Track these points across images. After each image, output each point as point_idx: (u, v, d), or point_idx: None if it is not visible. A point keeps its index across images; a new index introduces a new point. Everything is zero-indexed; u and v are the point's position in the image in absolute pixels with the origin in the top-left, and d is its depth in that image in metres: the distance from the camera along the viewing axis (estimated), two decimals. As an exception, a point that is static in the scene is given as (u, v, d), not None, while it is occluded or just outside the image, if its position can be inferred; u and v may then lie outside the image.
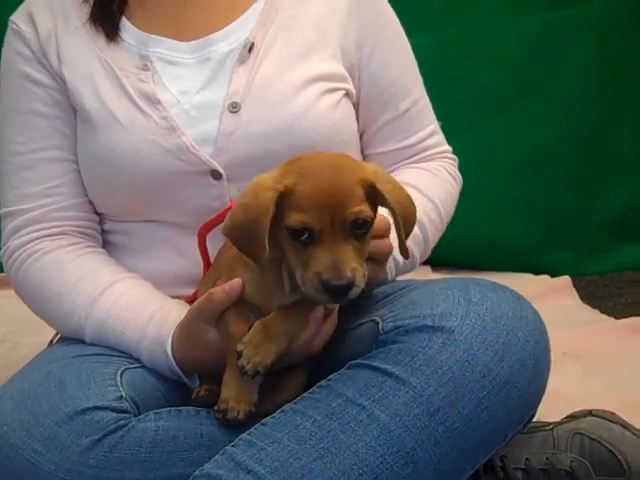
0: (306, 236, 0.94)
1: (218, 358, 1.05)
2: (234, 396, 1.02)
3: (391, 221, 1.02)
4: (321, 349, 1.07)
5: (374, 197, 0.97)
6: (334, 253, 0.93)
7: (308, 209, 0.93)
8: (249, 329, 1.02)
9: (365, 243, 0.97)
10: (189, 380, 1.12)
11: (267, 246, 0.95)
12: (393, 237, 1.06)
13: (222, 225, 1.03)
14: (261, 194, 0.96)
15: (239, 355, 0.99)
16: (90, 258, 1.23)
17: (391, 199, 0.97)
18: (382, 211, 1.02)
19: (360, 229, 0.95)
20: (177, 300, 1.19)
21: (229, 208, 1.10)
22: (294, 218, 0.94)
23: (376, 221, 1.01)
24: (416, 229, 1.21)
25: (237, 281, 1.05)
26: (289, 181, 0.95)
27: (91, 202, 1.27)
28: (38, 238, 1.23)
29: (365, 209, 0.95)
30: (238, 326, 1.03)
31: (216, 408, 1.04)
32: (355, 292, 0.94)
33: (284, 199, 0.95)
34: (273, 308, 1.03)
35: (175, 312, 1.13)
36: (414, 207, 1.03)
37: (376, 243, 1.05)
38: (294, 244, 0.95)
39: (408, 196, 1.02)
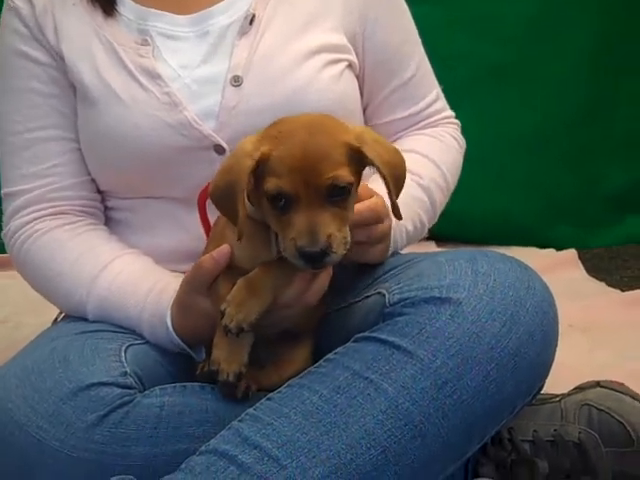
0: (283, 202, 0.93)
1: (214, 326, 1.04)
2: (224, 357, 1.01)
3: (382, 182, 0.99)
4: (319, 302, 1.05)
5: (359, 159, 0.96)
6: (310, 219, 0.92)
7: (283, 174, 0.92)
8: None
9: (346, 209, 0.95)
10: (195, 352, 1.11)
11: (241, 213, 0.94)
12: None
13: (209, 191, 1.03)
14: (240, 161, 0.95)
15: (222, 314, 0.99)
16: (90, 236, 1.22)
17: (379, 161, 0.96)
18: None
19: (338, 195, 0.93)
20: (176, 273, 1.18)
21: None
22: (270, 184, 0.93)
23: (374, 202, 1.01)
24: (425, 196, 1.21)
25: (225, 247, 1.04)
26: (265, 147, 0.94)
27: (92, 181, 1.26)
28: (38, 218, 1.23)
29: (342, 174, 0.92)
30: (226, 289, 1.02)
31: (206, 369, 1.04)
32: (332, 259, 0.92)
33: (263, 165, 0.94)
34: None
35: (173, 284, 1.12)
36: (403, 164, 1.01)
37: (376, 227, 1.05)
38: (273, 210, 0.95)
39: (397, 153, 1.01)
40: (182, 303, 1.09)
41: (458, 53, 2.32)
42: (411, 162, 1.17)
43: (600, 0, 2.35)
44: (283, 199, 0.93)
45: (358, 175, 0.97)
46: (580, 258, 2.25)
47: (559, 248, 2.33)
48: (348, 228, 0.95)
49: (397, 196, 1.00)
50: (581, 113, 2.40)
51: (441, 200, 1.26)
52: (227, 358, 1.01)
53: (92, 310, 1.16)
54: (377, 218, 1.07)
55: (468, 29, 2.34)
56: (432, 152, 1.26)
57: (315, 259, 0.92)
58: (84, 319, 1.17)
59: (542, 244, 2.36)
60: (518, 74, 2.37)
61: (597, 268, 2.20)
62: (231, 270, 1.04)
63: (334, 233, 0.92)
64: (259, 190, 0.96)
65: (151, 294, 1.13)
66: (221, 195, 0.99)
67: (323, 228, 0.92)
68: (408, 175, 1.08)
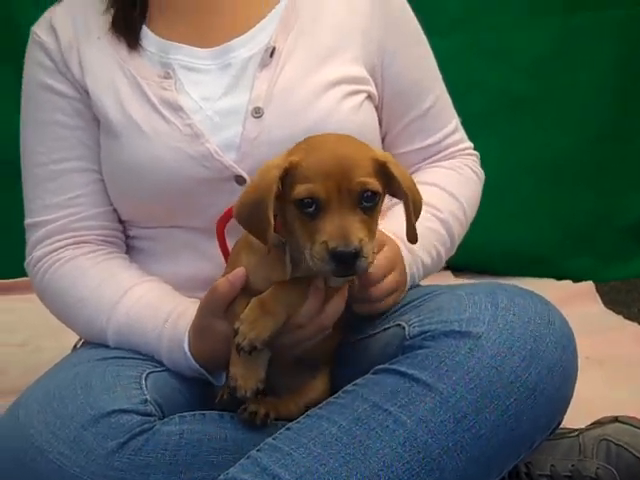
0: (313, 208, 0.94)
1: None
2: (241, 374, 1.01)
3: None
4: (334, 326, 1.06)
5: (383, 177, 0.98)
6: (341, 222, 0.93)
7: (314, 179, 0.94)
8: None
9: (373, 219, 0.97)
10: (214, 378, 1.12)
11: (272, 220, 0.95)
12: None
13: (233, 211, 1.05)
14: (267, 172, 0.97)
15: (235, 332, 0.99)
16: (111, 264, 1.24)
17: (402, 179, 0.98)
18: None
19: (368, 202, 0.95)
20: (195, 299, 1.19)
21: None
22: (300, 189, 0.94)
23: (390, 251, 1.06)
24: (442, 229, 1.22)
25: (240, 270, 1.05)
26: (294, 157, 0.96)
27: (114, 211, 1.28)
28: (60, 248, 1.24)
29: (373, 181, 0.95)
30: (242, 309, 1.03)
31: (225, 397, 1.06)
32: (362, 264, 0.93)
33: (291, 175, 0.96)
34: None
35: (191, 309, 1.13)
36: (420, 195, 1.03)
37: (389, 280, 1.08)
38: (302, 218, 0.96)
39: (414, 183, 1.03)
40: (199, 327, 1.10)
41: (475, 82, 2.32)
42: (429, 195, 1.20)
43: (618, 27, 2.34)
44: (314, 204, 0.94)
45: (383, 193, 0.99)
46: (597, 290, 2.24)
47: (576, 279, 2.32)
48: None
49: (416, 220, 1.02)
50: (598, 143, 2.39)
51: (459, 233, 1.26)
52: (244, 375, 1.01)
53: (112, 336, 1.17)
54: (393, 266, 1.10)
55: (485, 58, 2.35)
56: (451, 185, 1.27)
57: (347, 261, 0.92)
58: (105, 345, 1.18)
59: (559, 275, 2.35)
60: (535, 103, 2.37)
61: (614, 301, 2.19)
62: (247, 291, 1.05)
63: (364, 238, 0.93)
64: (284, 201, 0.97)
65: (170, 319, 1.14)
66: (248, 211, 1.00)
67: (355, 231, 0.93)
68: (426, 208, 1.11)
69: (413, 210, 1.00)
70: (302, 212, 0.95)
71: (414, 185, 1.03)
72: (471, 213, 1.30)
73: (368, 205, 0.95)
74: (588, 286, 2.26)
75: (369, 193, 0.95)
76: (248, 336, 0.99)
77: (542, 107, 2.37)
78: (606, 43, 2.35)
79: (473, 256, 2.13)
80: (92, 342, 1.22)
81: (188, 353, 1.11)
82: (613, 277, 2.37)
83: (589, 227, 2.42)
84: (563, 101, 2.37)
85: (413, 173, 1.29)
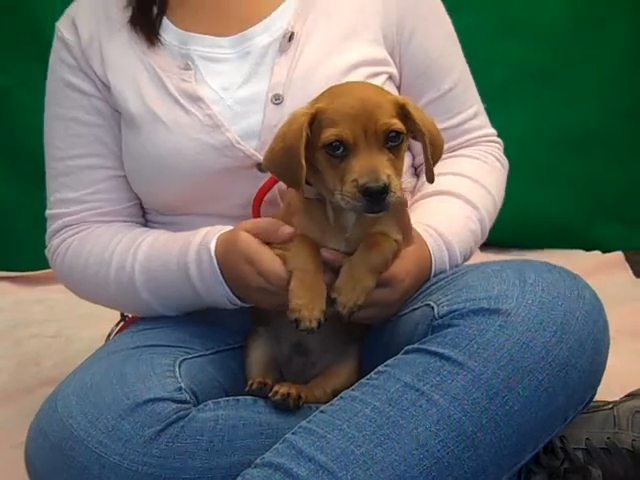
0: (341, 150, 0.99)
1: (254, 274, 1.07)
2: (305, 304, 1.02)
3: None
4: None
5: (404, 119, 1.02)
6: (369, 161, 0.98)
7: (340, 122, 0.99)
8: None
9: (399, 158, 1.01)
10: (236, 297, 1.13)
11: (304, 164, 1.00)
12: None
13: (263, 164, 1.09)
14: (295, 120, 1.02)
15: (332, 302, 1.02)
16: (123, 225, 1.27)
17: (420, 120, 1.03)
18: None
19: (393, 141, 1.00)
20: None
21: None
22: (328, 134, 0.99)
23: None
24: (478, 228, 1.22)
25: (290, 228, 1.07)
26: (320, 104, 1.01)
27: (132, 206, 1.30)
28: (76, 233, 1.28)
29: (396, 121, 1.00)
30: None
31: (255, 385, 1.09)
32: (391, 198, 0.97)
33: (318, 121, 1.01)
34: (328, 239, 1.06)
35: (217, 229, 1.15)
36: (442, 139, 1.08)
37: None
38: (331, 161, 1.00)
39: (436, 128, 1.07)
40: (228, 238, 1.11)
41: (496, 56, 2.31)
42: (463, 188, 1.22)
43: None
44: (342, 147, 0.98)
45: (406, 134, 1.02)
46: (627, 260, 2.22)
47: (605, 249, 2.31)
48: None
49: (435, 163, 1.05)
50: (624, 110, 2.37)
51: (489, 227, 1.26)
52: (307, 305, 1.02)
53: (138, 269, 1.18)
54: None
55: (506, 32, 2.34)
56: (481, 177, 1.26)
57: (377, 196, 0.96)
58: (138, 331, 1.20)
59: (588, 245, 2.34)
60: (558, 74, 2.36)
61: (645, 270, 2.18)
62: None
63: (392, 175, 0.97)
64: (312, 149, 1.01)
65: (197, 234, 1.15)
66: (280, 160, 1.04)
67: (382, 168, 0.97)
68: (464, 205, 1.16)
69: (433, 152, 1.04)
70: (331, 156, 1.00)
71: (434, 127, 1.06)
72: (500, 204, 1.29)
73: (393, 145, 1.00)
74: (617, 256, 2.25)
75: (393, 133, 0.99)
76: (348, 305, 1.02)
77: (565, 76, 2.36)
78: (627, 9, 2.32)
79: (500, 230, 2.11)
80: (125, 303, 1.25)
81: (214, 255, 1.11)
82: (643, 246, 2.36)
83: (618, 195, 2.41)
84: (586, 70, 2.36)
85: None
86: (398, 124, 1.00)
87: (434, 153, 1.05)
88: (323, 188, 1.04)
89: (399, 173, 1.00)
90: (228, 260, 1.11)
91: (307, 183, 1.05)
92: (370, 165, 0.97)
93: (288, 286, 1.03)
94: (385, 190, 0.96)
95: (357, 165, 0.97)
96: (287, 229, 1.07)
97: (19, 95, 2.30)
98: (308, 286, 1.03)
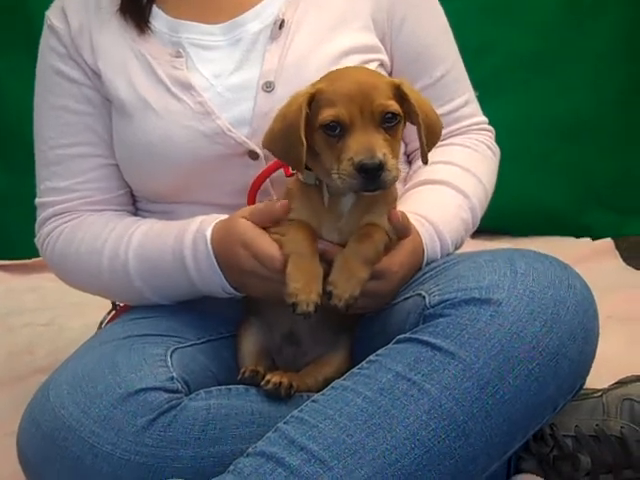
0: (338, 130, 1.00)
1: (249, 257, 1.07)
2: (302, 288, 1.02)
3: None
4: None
5: (401, 101, 1.03)
6: (365, 139, 0.99)
7: (337, 103, 1.00)
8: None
9: (396, 139, 1.03)
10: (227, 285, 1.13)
11: (304, 141, 1.01)
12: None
13: (263, 144, 1.09)
14: (295, 100, 1.04)
15: (329, 296, 1.02)
16: (114, 214, 1.27)
17: (415, 101, 1.04)
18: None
19: (389, 122, 1.01)
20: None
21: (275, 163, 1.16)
22: (325, 114, 1.00)
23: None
24: (470, 217, 1.22)
25: (285, 202, 1.08)
26: (319, 85, 1.03)
27: (123, 194, 1.30)
28: (67, 222, 1.27)
29: (393, 103, 1.01)
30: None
31: (247, 374, 1.10)
32: (387, 176, 0.98)
33: (316, 102, 1.02)
34: (323, 227, 1.08)
35: (213, 216, 1.15)
36: (440, 123, 1.08)
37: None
38: (328, 142, 1.01)
39: (432, 109, 1.08)
40: (225, 225, 1.11)
41: (488, 42, 2.31)
42: (455, 177, 1.22)
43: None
44: (338, 127, 1.00)
45: (403, 116, 1.03)
46: (617, 247, 2.23)
47: (596, 236, 2.32)
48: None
49: (430, 146, 1.06)
50: (616, 98, 2.38)
51: (481, 215, 1.26)
52: (304, 289, 1.02)
53: (132, 256, 1.18)
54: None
55: (497, 19, 2.34)
56: (472, 165, 1.26)
57: (373, 173, 0.97)
58: (129, 322, 1.20)
59: (579, 233, 2.35)
60: (549, 62, 2.36)
61: (634, 257, 2.18)
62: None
63: (388, 154, 0.98)
64: (310, 131, 1.02)
65: (193, 221, 1.15)
66: (280, 138, 1.05)
67: (378, 146, 0.98)
68: (456, 194, 1.16)
69: (428, 134, 1.05)
70: (329, 136, 1.01)
71: (432, 109, 1.07)
72: (491, 192, 1.29)
73: (390, 125, 1.01)
74: (607, 243, 2.26)
75: (390, 114, 1.01)
76: (344, 297, 1.02)
77: (556, 63, 2.36)
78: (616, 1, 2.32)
79: (491, 217, 2.11)
80: (117, 291, 1.24)
81: (209, 242, 1.11)
82: (633, 232, 2.37)
83: (608, 183, 2.41)
84: (578, 57, 2.36)
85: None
86: (394, 105, 1.01)
87: (430, 135, 1.05)
88: (321, 170, 1.05)
89: (396, 155, 1.01)
90: (224, 246, 1.11)
91: (306, 168, 1.05)
92: (366, 143, 0.98)
93: (284, 270, 1.03)
94: (380, 167, 0.97)
95: (353, 144, 0.98)
96: (280, 203, 1.08)
97: (8, 83, 2.29)
98: (305, 270, 1.03)
